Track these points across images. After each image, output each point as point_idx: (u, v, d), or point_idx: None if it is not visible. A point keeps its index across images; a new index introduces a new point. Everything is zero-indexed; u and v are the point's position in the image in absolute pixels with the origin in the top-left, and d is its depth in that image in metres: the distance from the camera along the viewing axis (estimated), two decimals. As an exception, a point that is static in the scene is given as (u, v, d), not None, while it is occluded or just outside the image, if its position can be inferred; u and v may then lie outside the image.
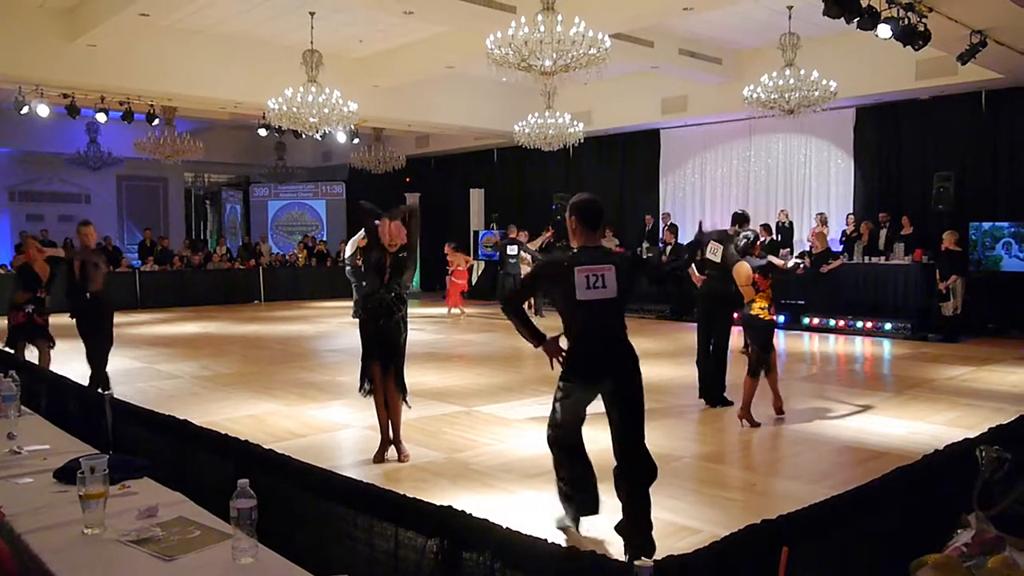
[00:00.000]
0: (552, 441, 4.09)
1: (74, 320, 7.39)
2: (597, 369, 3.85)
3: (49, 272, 7.48)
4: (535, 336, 4.01)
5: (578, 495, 4.08)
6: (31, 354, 7.28)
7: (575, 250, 3.94)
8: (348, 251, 14.98)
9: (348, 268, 15.10)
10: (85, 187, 21.26)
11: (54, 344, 7.54)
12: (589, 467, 4.09)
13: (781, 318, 6.89)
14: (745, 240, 6.70)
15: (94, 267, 7.30)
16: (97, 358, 7.44)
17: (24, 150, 19.51)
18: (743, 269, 6.55)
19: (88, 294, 7.28)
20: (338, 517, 2.32)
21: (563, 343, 3.95)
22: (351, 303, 14.85)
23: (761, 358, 6.52)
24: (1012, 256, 12.15)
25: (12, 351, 7.16)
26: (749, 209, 15.69)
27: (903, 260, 12.51)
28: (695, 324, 7.73)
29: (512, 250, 14.89)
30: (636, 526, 3.82)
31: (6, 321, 7.62)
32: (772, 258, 6.96)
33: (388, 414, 5.50)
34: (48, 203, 20.98)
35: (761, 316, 6.46)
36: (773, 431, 6.48)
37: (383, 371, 5.42)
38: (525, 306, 4.22)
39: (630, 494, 3.84)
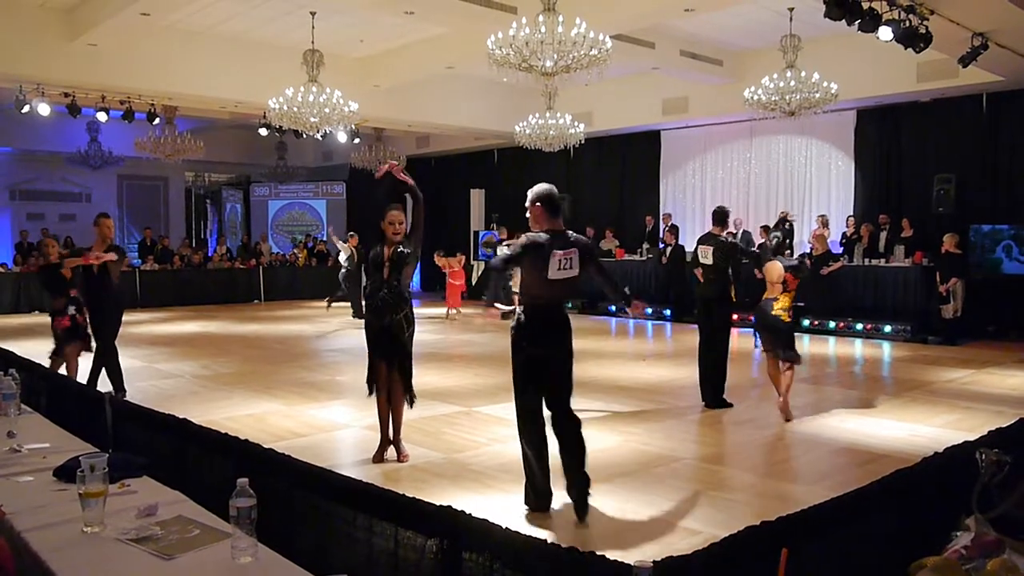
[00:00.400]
0: (520, 412, 4.47)
1: (88, 314, 7.36)
2: (542, 332, 4.38)
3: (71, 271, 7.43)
4: (495, 298, 4.70)
5: (537, 487, 4.49)
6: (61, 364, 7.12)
7: (547, 235, 4.36)
8: (343, 257, 15.06)
9: (343, 272, 15.13)
10: (86, 186, 21.23)
11: (91, 348, 7.38)
12: (547, 451, 4.47)
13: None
14: (776, 239, 7.02)
15: (114, 261, 7.30)
16: (111, 355, 7.41)
17: (25, 149, 19.50)
18: (775, 268, 6.71)
19: (107, 287, 7.27)
20: (338, 517, 2.32)
21: (502, 307, 4.58)
22: (350, 303, 14.87)
23: (791, 356, 6.68)
24: (1012, 259, 12.15)
25: (56, 357, 7.12)
26: (750, 211, 15.78)
27: (903, 262, 12.50)
28: (695, 325, 7.77)
29: (503, 250, 15.01)
30: (575, 477, 4.31)
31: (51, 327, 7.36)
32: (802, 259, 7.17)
33: (390, 413, 5.51)
34: (49, 202, 20.95)
35: (783, 318, 6.63)
36: (773, 433, 6.49)
37: (388, 370, 5.42)
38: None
39: (564, 445, 4.36)
